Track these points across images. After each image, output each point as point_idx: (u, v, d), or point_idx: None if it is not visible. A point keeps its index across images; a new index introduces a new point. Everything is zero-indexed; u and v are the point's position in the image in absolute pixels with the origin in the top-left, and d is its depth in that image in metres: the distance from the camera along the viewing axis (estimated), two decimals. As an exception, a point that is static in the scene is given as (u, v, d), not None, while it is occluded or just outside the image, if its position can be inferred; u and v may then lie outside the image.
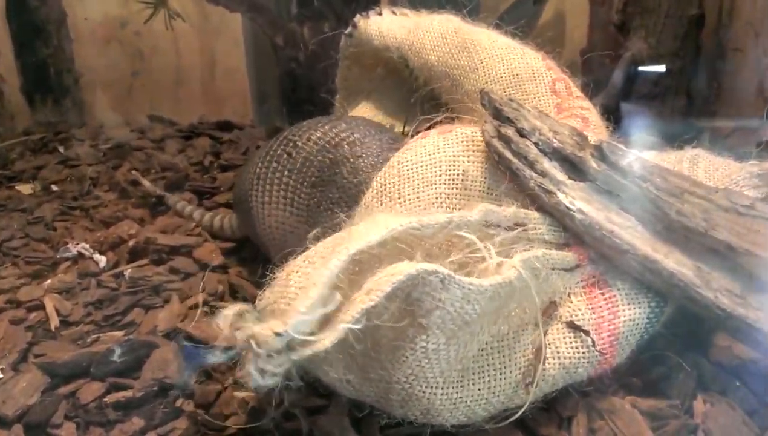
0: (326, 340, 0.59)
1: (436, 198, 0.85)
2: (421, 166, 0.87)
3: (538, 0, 2.13)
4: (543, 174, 0.82)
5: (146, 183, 1.51)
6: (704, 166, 1.00)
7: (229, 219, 1.28)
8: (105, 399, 0.86)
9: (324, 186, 0.98)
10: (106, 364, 0.90)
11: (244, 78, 2.13)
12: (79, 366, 0.91)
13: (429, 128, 0.98)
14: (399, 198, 0.86)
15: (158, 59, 2.13)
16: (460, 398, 0.72)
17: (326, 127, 1.03)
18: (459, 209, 0.84)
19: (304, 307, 0.59)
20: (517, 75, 1.05)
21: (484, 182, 0.85)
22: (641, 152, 0.88)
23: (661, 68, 1.77)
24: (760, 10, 1.66)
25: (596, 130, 0.98)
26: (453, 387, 0.71)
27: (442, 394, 0.71)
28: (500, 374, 0.74)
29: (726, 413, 0.79)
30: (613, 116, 1.06)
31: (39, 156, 1.86)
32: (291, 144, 1.04)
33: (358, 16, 1.28)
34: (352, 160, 0.96)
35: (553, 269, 0.78)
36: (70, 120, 2.12)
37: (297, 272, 0.67)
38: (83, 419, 0.84)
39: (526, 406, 0.73)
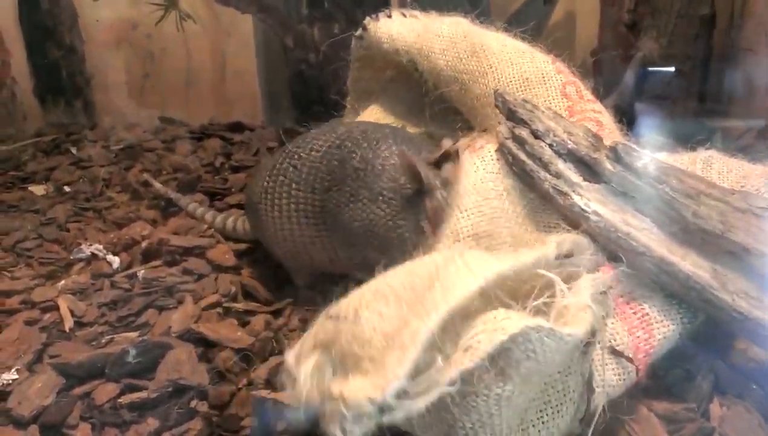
0: (420, 403, 0.56)
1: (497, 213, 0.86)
2: (474, 185, 0.88)
3: (548, 0, 2.12)
4: (557, 175, 0.82)
5: (157, 185, 1.51)
6: (718, 167, 0.99)
7: (242, 221, 1.28)
8: (120, 400, 0.86)
9: (338, 185, 0.99)
10: (121, 365, 0.91)
11: (254, 79, 2.13)
12: (94, 367, 0.91)
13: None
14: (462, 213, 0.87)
15: (169, 61, 2.13)
16: None
17: (326, 135, 1.05)
18: (515, 224, 0.85)
19: (402, 374, 0.55)
20: (526, 79, 1.04)
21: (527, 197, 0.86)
22: (654, 153, 0.87)
23: (673, 69, 1.76)
24: (773, 10, 1.66)
25: (610, 133, 0.98)
26: (514, 432, 0.67)
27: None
28: (557, 412, 0.70)
29: (742, 417, 0.79)
30: (624, 117, 1.05)
31: (51, 157, 1.86)
32: (295, 157, 1.05)
33: (368, 18, 1.28)
34: (358, 151, 0.98)
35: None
36: (81, 121, 2.13)
37: (367, 308, 0.63)
38: (98, 420, 0.84)
39: None
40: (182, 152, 1.85)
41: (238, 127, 2.03)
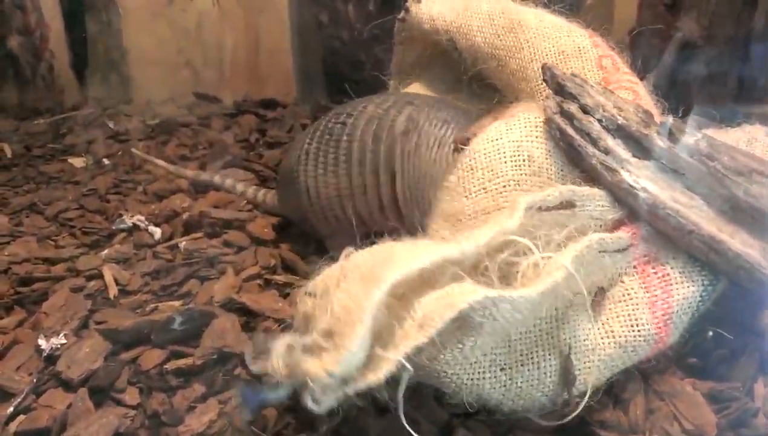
0: (379, 374, 0.61)
1: (504, 186, 0.84)
2: (485, 155, 0.86)
3: (586, -21, 2.08)
4: (606, 151, 0.81)
5: (205, 175, 1.50)
6: (761, 150, 0.98)
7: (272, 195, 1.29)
8: (166, 366, 0.88)
9: (331, 150, 1.02)
10: (167, 332, 0.92)
11: (287, 56, 2.13)
12: (140, 333, 0.93)
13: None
14: (465, 192, 0.85)
15: (203, 36, 2.14)
16: (510, 380, 0.72)
17: (383, 99, 1.06)
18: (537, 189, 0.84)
19: (351, 346, 0.60)
20: (562, 52, 1.03)
21: (553, 167, 0.85)
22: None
23: (713, 50, 1.73)
24: (818, -10, 1.61)
25: (645, 103, 0.97)
26: (488, 371, 0.72)
27: (490, 377, 0.72)
28: (549, 354, 0.73)
29: (788, 397, 0.78)
30: (662, 98, 1.04)
31: (89, 130, 1.89)
32: (344, 115, 1.07)
33: (410, 0, 1.29)
34: (375, 120, 0.99)
35: (605, 252, 0.77)
36: (117, 96, 2.15)
37: (337, 285, 0.68)
38: (146, 385, 0.86)
39: (586, 398, 0.73)
40: (217, 128, 1.87)
41: (271, 103, 2.04)
